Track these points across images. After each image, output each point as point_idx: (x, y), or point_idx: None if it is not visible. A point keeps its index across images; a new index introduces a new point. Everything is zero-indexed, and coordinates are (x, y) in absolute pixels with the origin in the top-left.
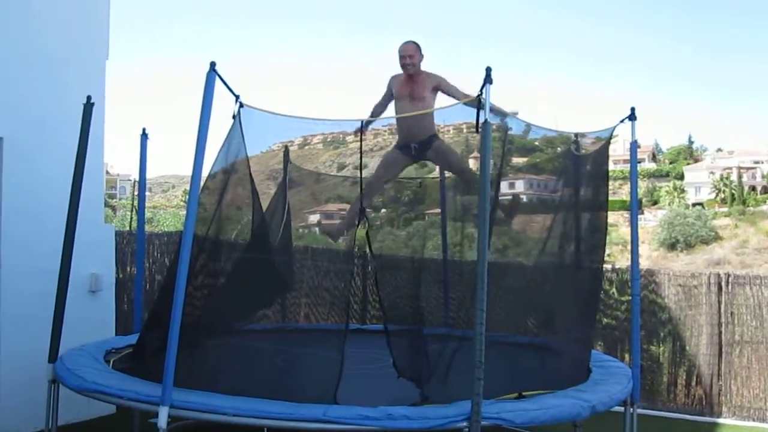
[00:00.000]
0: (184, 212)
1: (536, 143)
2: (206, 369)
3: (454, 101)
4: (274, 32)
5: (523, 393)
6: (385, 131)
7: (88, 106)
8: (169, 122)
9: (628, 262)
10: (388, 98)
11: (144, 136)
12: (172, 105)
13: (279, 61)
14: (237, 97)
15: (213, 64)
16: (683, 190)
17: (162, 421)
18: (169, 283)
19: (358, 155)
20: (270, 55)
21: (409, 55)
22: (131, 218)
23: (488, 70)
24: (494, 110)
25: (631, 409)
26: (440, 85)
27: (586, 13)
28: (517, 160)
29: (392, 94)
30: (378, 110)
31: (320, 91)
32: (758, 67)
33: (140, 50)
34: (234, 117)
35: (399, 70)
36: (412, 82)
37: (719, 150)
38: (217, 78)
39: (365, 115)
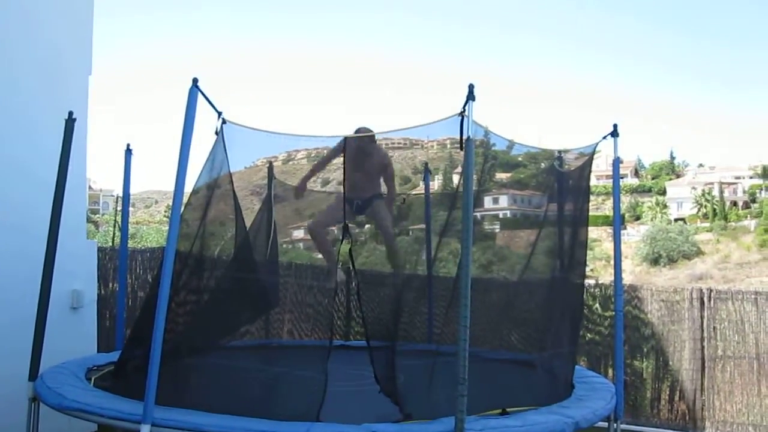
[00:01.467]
0: (167, 228)
1: (520, 159)
2: (188, 386)
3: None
4: (263, 43)
5: (507, 409)
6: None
7: (70, 122)
8: (153, 137)
9: (612, 278)
10: (331, 158)
11: (128, 152)
12: (156, 120)
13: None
14: (219, 113)
15: (195, 81)
16: (665, 206)
17: None
18: (151, 300)
19: (342, 170)
20: (259, 67)
21: (367, 144)
22: (114, 234)
23: (471, 87)
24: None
25: (615, 425)
26: (387, 171)
27: (567, 30)
28: (501, 176)
29: (339, 150)
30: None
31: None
32: (739, 84)
33: (124, 63)
34: (217, 133)
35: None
36: (365, 153)
37: (701, 165)
38: (200, 94)
39: (349, 132)
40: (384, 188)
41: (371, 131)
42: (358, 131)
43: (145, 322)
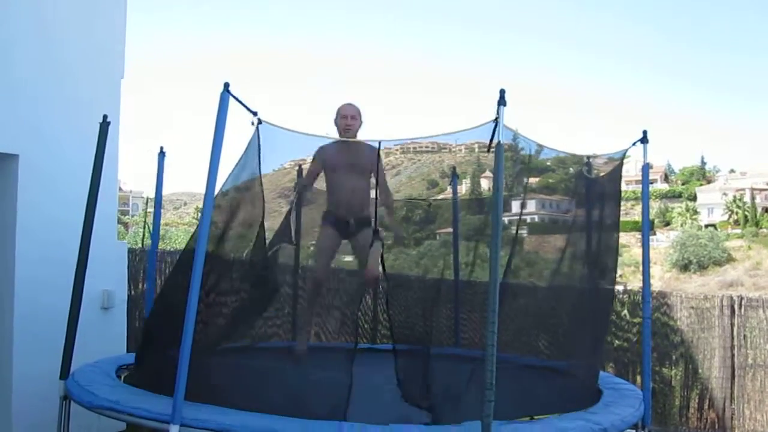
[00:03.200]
0: (196, 229)
1: (548, 163)
2: (217, 385)
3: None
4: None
5: (534, 416)
6: (396, 150)
7: (104, 126)
8: (181, 139)
9: (640, 284)
10: (316, 172)
11: (161, 154)
12: (183, 121)
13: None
14: (254, 113)
15: (227, 85)
16: (696, 212)
17: None
18: (167, 296)
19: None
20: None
21: (351, 116)
22: (143, 235)
23: (502, 92)
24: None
25: None
26: (372, 163)
27: (597, 35)
28: (530, 180)
29: (320, 168)
30: (308, 183)
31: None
32: None
33: (154, 63)
34: (255, 131)
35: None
36: (349, 150)
37: (732, 171)
38: (231, 98)
39: (382, 136)
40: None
41: (356, 107)
42: (347, 106)
43: (157, 317)
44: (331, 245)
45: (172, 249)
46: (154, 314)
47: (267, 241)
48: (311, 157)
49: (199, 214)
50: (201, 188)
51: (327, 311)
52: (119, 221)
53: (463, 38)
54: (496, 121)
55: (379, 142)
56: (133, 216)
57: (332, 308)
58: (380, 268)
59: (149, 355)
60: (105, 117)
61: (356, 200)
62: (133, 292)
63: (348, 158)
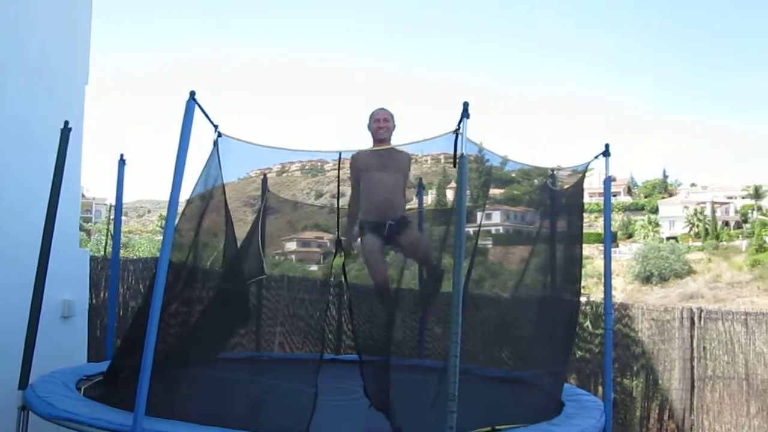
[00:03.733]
0: (160, 238)
1: (513, 175)
2: (178, 397)
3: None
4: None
5: (496, 427)
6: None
7: (65, 131)
8: (146, 146)
9: (603, 295)
10: (357, 181)
11: (122, 161)
12: (149, 128)
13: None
14: (216, 126)
15: (192, 93)
16: (658, 224)
17: None
18: (143, 310)
19: (336, 183)
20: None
21: (384, 118)
22: (106, 243)
23: (465, 105)
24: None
25: None
26: (407, 166)
27: (560, 46)
28: (494, 192)
29: (358, 175)
30: (354, 195)
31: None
32: (732, 104)
33: (120, 71)
34: (214, 145)
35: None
36: (382, 152)
37: (693, 185)
38: (197, 107)
39: (342, 147)
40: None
41: (388, 111)
42: (382, 111)
43: (137, 332)
44: (379, 248)
45: (134, 257)
46: (127, 331)
47: (231, 251)
48: (276, 166)
49: (163, 222)
50: (165, 196)
51: (291, 321)
52: (82, 228)
53: (425, 46)
54: (456, 132)
55: (339, 153)
56: (95, 223)
57: (296, 318)
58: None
59: (116, 372)
60: (66, 123)
61: (393, 199)
62: (94, 301)
63: (381, 160)
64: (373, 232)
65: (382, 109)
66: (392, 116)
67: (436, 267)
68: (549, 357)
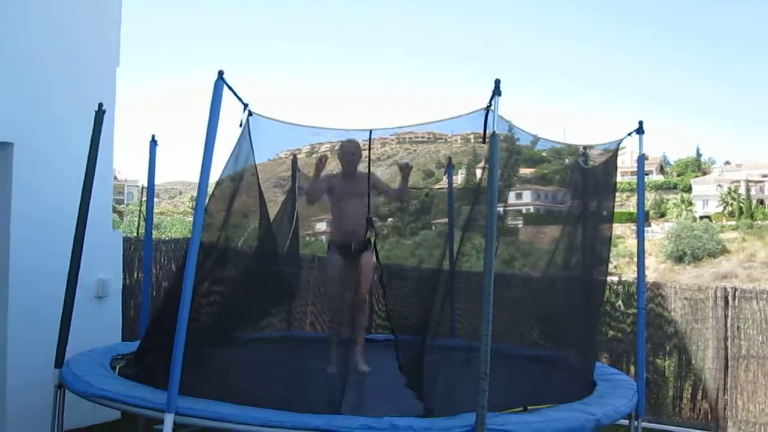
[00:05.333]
0: (191, 219)
1: (544, 154)
2: (210, 377)
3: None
4: (288, 48)
5: (529, 407)
6: (392, 140)
7: (99, 113)
8: (177, 133)
9: (635, 275)
10: (322, 191)
11: (153, 142)
12: (180, 117)
13: (292, 78)
14: (246, 105)
15: (221, 73)
16: (691, 203)
17: (167, 428)
18: (174, 290)
19: (366, 163)
20: (283, 71)
21: (352, 152)
22: (138, 224)
23: (497, 82)
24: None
25: (636, 423)
26: (377, 184)
27: (593, 29)
28: (525, 171)
29: (326, 187)
30: (317, 194)
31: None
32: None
33: (150, 61)
34: (242, 125)
35: None
36: (353, 180)
37: (727, 163)
38: (226, 87)
39: (374, 125)
40: None
41: (356, 142)
42: (352, 144)
43: (167, 311)
44: (340, 266)
45: (166, 238)
46: (158, 311)
47: (264, 231)
48: (306, 147)
49: (194, 203)
50: (196, 177)
51: (322, 300)
52: (114, 210)
53: (457, 26)
54: (487, 109)
55: (370, 131)
56: (128, 205)
57: (327, 298)
58: (374, 259)
59: (148, 351)
60: (100, 105)
61: (358, 226)
62: (128, 281)
63: (352, 187)
64: (338, 252)
65: (352, 141)
66: (359, 147)
67: (364, 299)
68: (579, 336)
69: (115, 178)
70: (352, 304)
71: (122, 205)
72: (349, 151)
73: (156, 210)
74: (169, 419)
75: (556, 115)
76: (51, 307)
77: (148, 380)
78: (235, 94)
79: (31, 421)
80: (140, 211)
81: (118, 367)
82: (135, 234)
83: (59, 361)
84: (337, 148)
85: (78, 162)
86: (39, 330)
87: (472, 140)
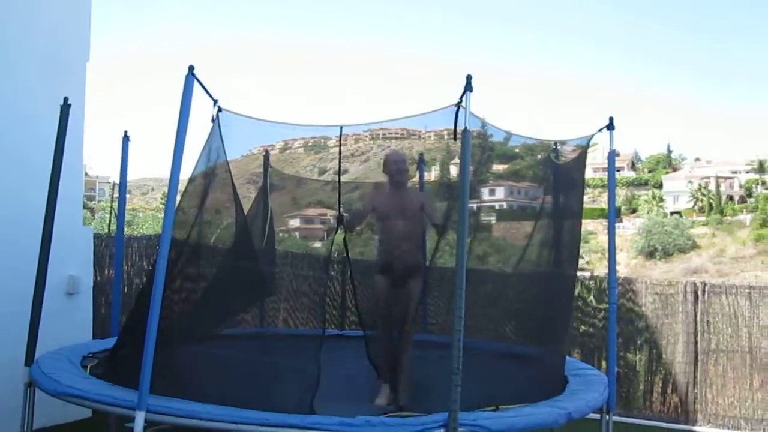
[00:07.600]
0: (163, 215)
1: (516, 150)
2: (182, 375)
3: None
4: (261, 34)
5: (501, 406)
6: (365, 136)
7: (65, 108)
8: (149, 125)
9: (606, 270)
10: (364, 215)
11: (126, 139)
12: (152, 108)
13: (266, 63)
14: (215, 101)
15: (191, 68)
16: (662, 199)
17: (138, 426)
18: (148, 288)
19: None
20: (257, 57)
21: (405, 163)
22: (110, 220)
23: (468, 78)
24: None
25: (607, 417)
26: (425, 205)
27: (566, 24)
28: (498, 167)
29: (369, 211)
30: (355, 225)
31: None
32: (737, 79)
33: (121, 51)
34: (213, 120)
35: None
36: (400, 196)
37: (697, 159)
38: (196, 82)
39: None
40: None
41: (403, 155)
42: (401, 156)
43: (142, 310)
44: (385, 287)
45: (138, 235)
46: (132, 310)
47: (237, 227)
48: (279, 143)
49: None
50: (168, 173)
51: (295, 297)
52: (85, 206)
53: (427, 24)
54: (458, 105)
55: (341, 128)
56: (99, 201)
57: (300, 294)
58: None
59: (121, 349)
60: (66, 100)
61: (404, 250)
62: (99, 278)
63: (399, 204)
64: (383, 273)
65: (401, 153)
66: (405, 160)
67: (408, 334)
68: (551, 332)
69: (87, 174)
70: (391, 339)
71: (93, 202)
72: (399, 160)
73: (128, 206)
74: (140, 417)
75: (527, 111)
76: (21, 305)
77: (119, 379)
78: (205, 89)
79: (0, 419)
80: (112, 207)
81: (89, 366)
82: (107, 231)
83: (29, 359)
84: (309, 144)
85: (50, 158)
86: (9, 327)
87: (446, 137)
